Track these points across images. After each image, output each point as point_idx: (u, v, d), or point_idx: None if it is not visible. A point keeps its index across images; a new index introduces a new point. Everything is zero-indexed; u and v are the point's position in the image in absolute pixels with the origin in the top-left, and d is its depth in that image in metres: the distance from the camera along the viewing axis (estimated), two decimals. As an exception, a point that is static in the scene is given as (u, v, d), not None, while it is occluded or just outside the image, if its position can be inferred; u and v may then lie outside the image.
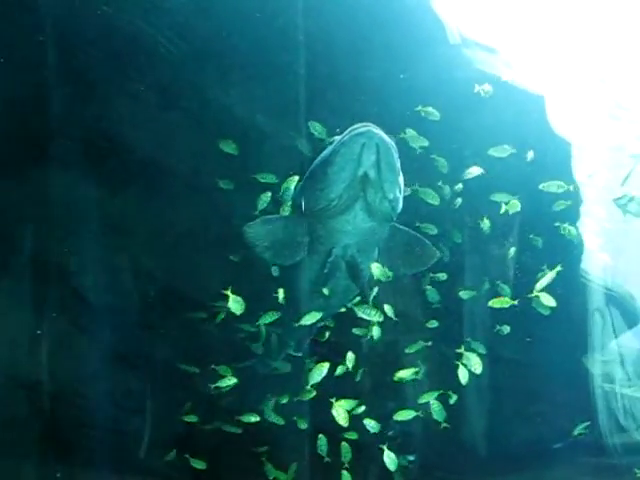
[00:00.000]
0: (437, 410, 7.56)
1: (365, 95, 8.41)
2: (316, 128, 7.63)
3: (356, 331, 7.68)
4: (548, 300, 7.50)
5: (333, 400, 7.17)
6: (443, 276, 8.51)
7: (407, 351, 8.23)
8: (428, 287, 8.33)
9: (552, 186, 8.17)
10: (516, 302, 7.53)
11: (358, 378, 8.00)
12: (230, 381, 7.33)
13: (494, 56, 9.44)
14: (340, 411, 7.04)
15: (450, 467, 9.38)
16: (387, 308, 7.37)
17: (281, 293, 7.11)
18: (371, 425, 7.46)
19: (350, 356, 7.38)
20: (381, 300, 7.78)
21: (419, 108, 7.93)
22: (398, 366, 8.03)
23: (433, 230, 8.22)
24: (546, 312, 7.65)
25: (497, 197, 8.29)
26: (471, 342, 8.42)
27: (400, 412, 7.71)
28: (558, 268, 7.46)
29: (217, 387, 7.35)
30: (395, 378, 7.60)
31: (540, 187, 8.19)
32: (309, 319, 7.30)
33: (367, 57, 8.34)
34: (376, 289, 7.53)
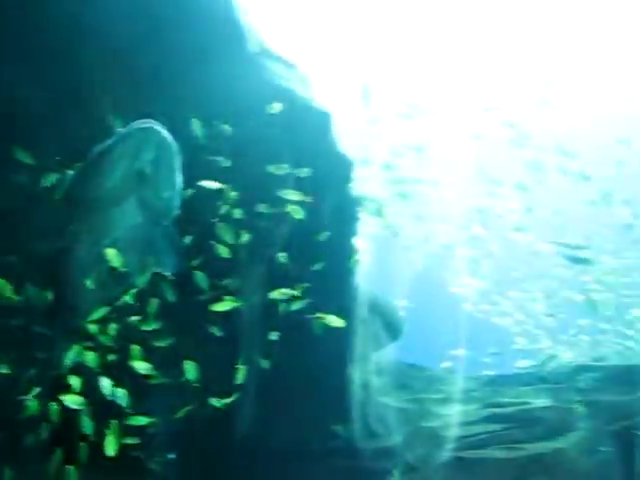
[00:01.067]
0: (121, 396, 7.56)
1: (156, 90, 8.42)
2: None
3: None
4: (335, 322, 7.86)
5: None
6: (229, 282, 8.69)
7: (157, 344, 8.29)
8: (197, 272, 8.41)
9: (289, 194, 8.57)
10: (238, 305, 7.88)
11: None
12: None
13: (290, 70, 9.80)
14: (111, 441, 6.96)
15: (215, 465, 9.53)
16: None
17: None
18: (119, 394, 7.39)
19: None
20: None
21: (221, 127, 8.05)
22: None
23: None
24: (319, 331, 8.03)
25: (261, 208, 8.60)
26: (252, 354, 8.65)
27: (135, 418, 7.78)
28: (297, 292, 7.86)
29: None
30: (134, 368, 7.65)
31: (280, 194, 8.53)
32: (96, 315, 7.22)
33: (165, 52, 8.41)
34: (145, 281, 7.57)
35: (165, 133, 6.61)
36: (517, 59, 17.34)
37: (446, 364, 13.63)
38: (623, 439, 11.08)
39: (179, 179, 6.99)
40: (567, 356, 14.97)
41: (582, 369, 12.73)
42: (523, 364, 13.61)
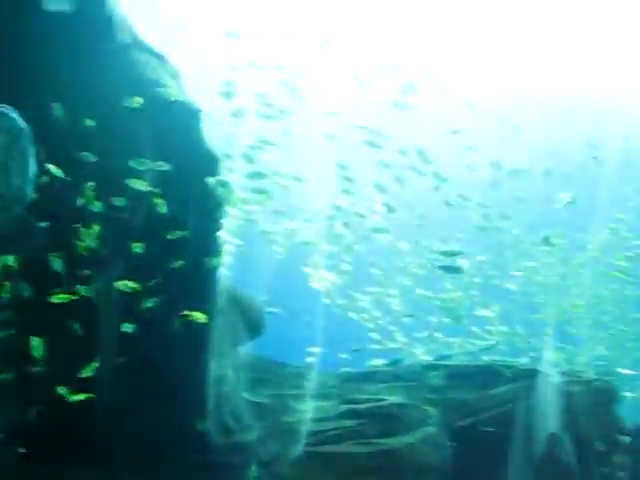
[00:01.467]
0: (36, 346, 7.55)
1: (18, 79, 8.15)
2: None
3: None
4: (198, 317, 8.35)
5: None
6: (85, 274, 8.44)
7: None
8: (54, 259, 8.14)
9: (142, 185, 8.59)
10: (76, 297, 7.86)
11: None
12: None
13: (161, 63, 9.72)
14: None
15: (67, 461, 9.23)
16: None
17: None
18: None
19: None
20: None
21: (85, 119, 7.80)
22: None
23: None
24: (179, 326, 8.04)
25: (117, 201, 8.52)
26: (106, 348, 8.44)
27: None
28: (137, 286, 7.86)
29: None
30: None
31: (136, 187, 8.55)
32: None
33: (31, 41, 8.09)
34: None
35: (18, 119, 6.36)
36: (380, 62, 17.79)
37: (309, 360, 13.84)
38: (469, 435, 11.69)
39: (32, 167, 6.74)
40: (421, 354, 15.56)
41: (434, 367, 13.32)
42: (379, 362, 14.02)
